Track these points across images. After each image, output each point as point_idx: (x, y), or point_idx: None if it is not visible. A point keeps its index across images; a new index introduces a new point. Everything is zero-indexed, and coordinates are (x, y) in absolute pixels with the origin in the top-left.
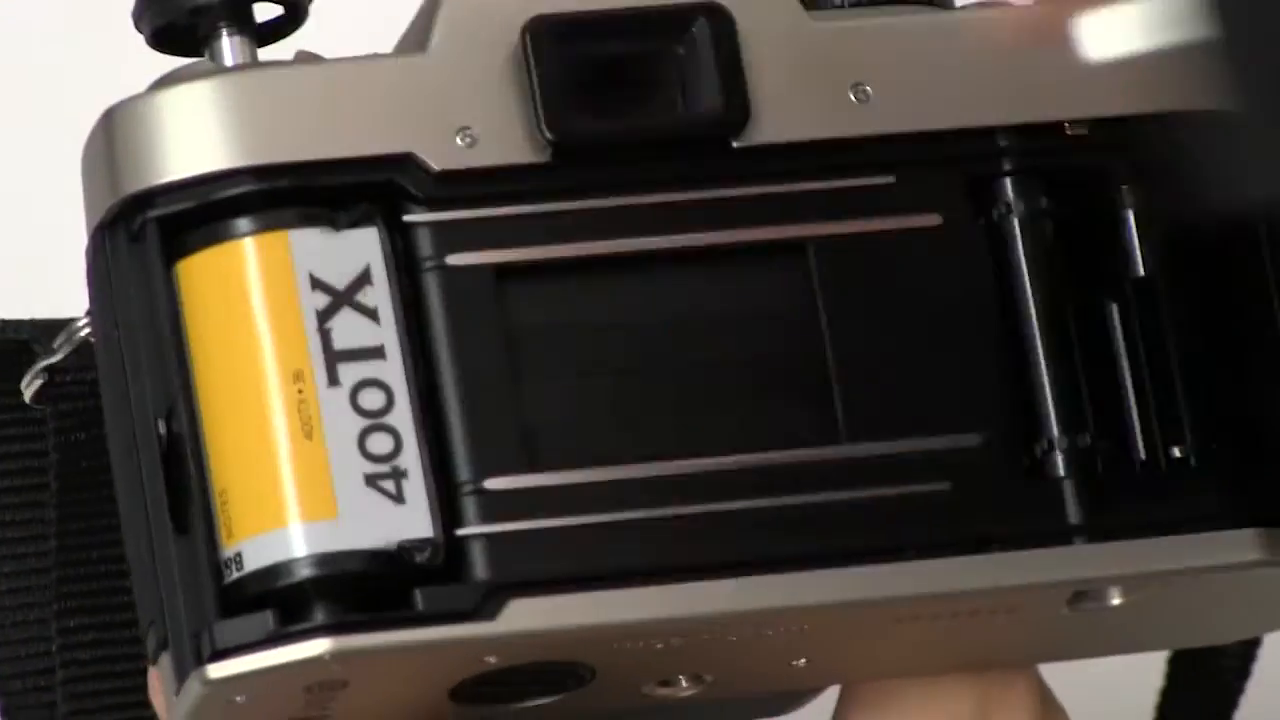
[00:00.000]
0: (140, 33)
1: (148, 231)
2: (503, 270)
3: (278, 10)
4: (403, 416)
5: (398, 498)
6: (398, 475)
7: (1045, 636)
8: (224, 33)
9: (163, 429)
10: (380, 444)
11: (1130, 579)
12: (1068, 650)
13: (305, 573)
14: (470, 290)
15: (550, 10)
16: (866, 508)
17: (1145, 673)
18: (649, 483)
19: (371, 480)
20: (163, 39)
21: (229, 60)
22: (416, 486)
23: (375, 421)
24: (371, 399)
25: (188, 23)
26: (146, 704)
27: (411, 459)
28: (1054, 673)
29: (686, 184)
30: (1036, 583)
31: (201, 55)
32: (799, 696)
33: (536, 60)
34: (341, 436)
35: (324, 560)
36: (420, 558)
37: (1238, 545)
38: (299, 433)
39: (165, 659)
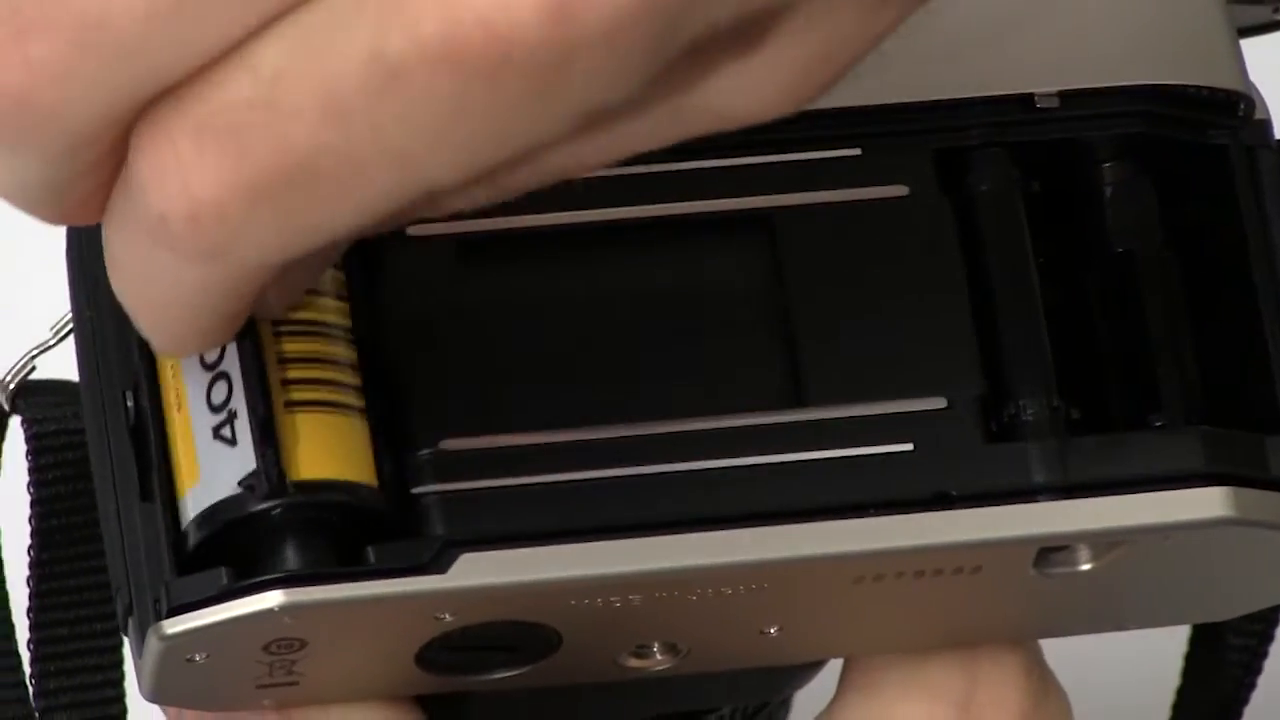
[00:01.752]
0: None
1: None
2: (464, 241)
3: None
4: (231, 359)
5: (231, 440)
6: (231, 419)
7: (1021, 607)
8: None
9: (130, 402)
10: (219, 393)
11: (1095, 535)
12: (1048, 624)
13: (197, 536)
14: (431, 261)
15: None
16: (825, 467)
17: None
18: (606, 444)
19: (216, 431)
20: None
21: None
22: (242, 423)
23: (215, 372)
24: (211, 352)
25: None
26: None
27: (238, 398)
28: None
29: (648, 157)
30: (996, 538)
31: None
32: (800, 672)
33: None
34: (196, 399)
35: (203, 520)
36: (258, 491)
37: (1206, 502)
38: (173, 406)
39: (131, 624)
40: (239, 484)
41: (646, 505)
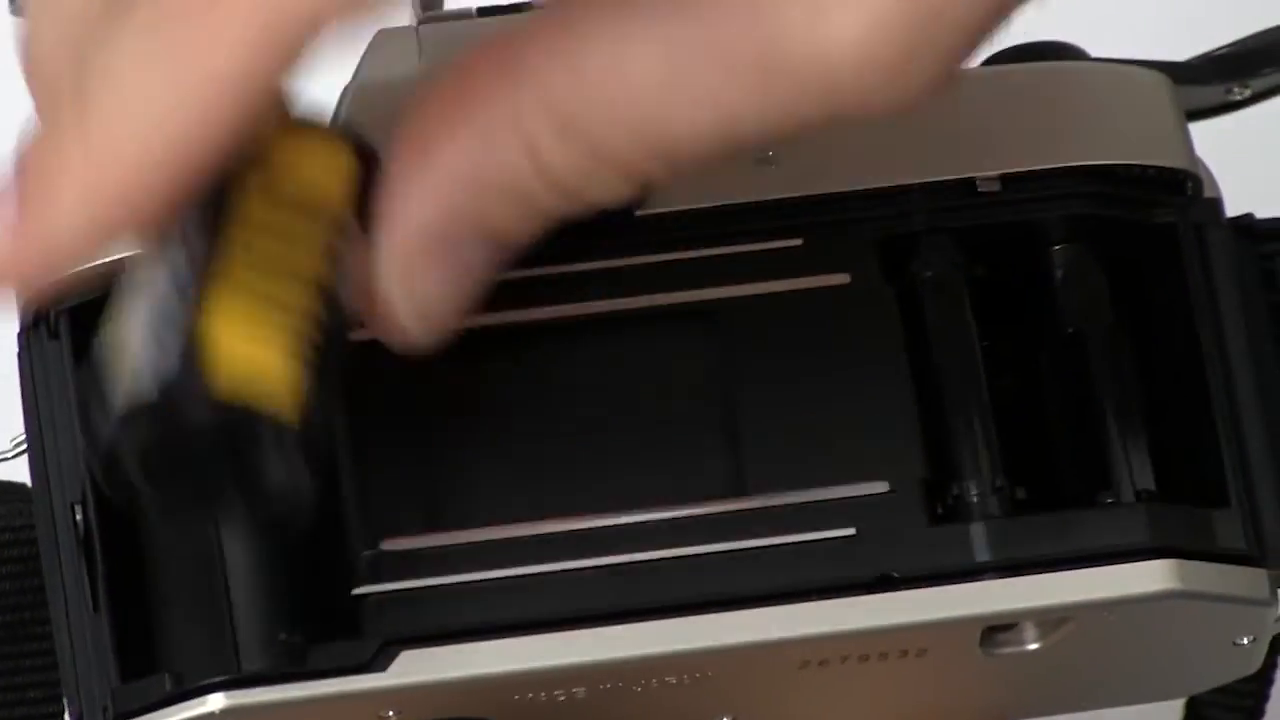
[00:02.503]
0: None
1: (60, 326)
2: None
3: None
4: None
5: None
6: None
7: (972, 690)
8: None
9: (79, 516)
10: None
11: (1039, 611)
12: (1002, 707)
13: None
14: (373, 361)
15: None
16: (769, 554)
17: None
18: (547, 539)
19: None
20: None
21: None
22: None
23: None
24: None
25: None
26: None
27: None
28: None
29: (588, 255)
30: (939, 618)
31: None
32: None
33: None
34: None
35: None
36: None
37: (1151, 576)
38: None
39: None
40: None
41: (586, 598)
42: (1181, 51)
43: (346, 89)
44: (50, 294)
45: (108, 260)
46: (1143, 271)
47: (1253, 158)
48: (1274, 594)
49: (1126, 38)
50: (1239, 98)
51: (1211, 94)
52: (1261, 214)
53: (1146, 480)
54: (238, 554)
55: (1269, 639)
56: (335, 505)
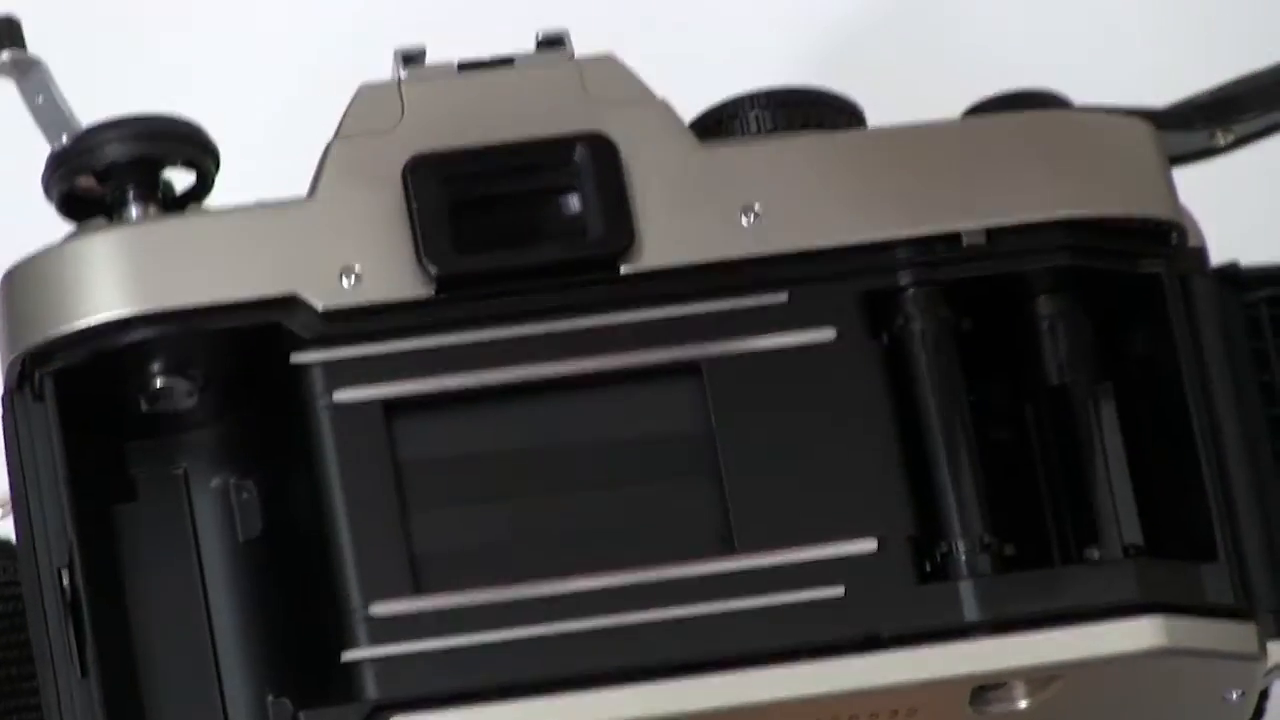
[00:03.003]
0: (50, 201)
1: (45, 388)
2: (391, 404)
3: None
4: None
5: None
6: None
7: None
8: (130, 197)
9: (65, 580)
10: None
11: (1028, 670)
12: None
13: None
14: (359, 425)
15: (432, 148)
16: (757, 614)
17: None
18: (538, 601)
19: None
20: (71, 205)
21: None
22: None
23: None
24: None
25: (96, 191)
26: None
27: None
28: None
29: (575, 311)
30: (927, 678)
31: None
32: None
33: (417, 198)
34: None
35: None
36: None
37: (1140, 633)
38: None
39: None
40: None
41: (576, 661)
42: (1164, 97)
43: (330, 145)
44: (35, 356)
45: (93, 324)
46: (1129, 322)
47: (1237, 202)
48: (1263, 648)
49: (1110, 84)
50: (1223, 143)
51: (1195, 139)
52: (1246, 259)
53: (1134, 534)
54: (226, 617)
55: (1258, 692)
56: (325, 569)
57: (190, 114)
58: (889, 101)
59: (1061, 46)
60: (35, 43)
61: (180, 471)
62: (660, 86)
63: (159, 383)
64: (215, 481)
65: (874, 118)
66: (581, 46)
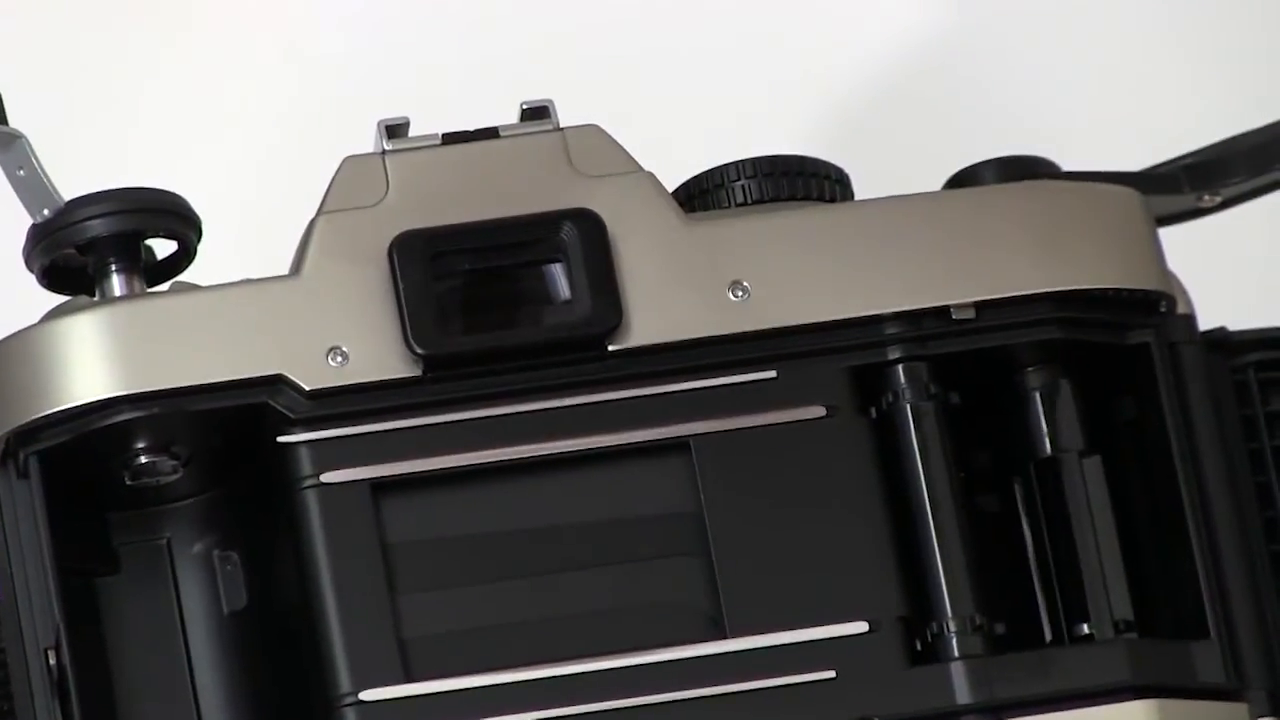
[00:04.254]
0: (31, 272)
1: (30, 468)
2: (378, 485)
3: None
4: None
5: None
6: None
7: None
8: (113, 270)
9: (52, 660)
10: None
11: None
12: None
13: None
14: (346, 506)
15: (417, 225)
16: (748, 699)
17: None
18: (526, 686)
19: None
20: (53, 278)
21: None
22: None
23: None
24: None
25: (78, 262)
26: None
27: None
28: None
29: (563, 390)
30: None
31: (93, 295)
32: None
33: (404, 276)
34: None
35: None
36: None
37: (1129, 717)
38: None
39: None
40: None
41: None
42: (1152, 157)
43: (314, 220)
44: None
45: (79, 404)
46: (1118, 393)
47: (1224, 264)
48: None
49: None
50: (1210, 205)
51: (1182, 201)
52: (1234, 322)
53: (1124, 609)
54: (212, 692)
55: None
56: (312, 648)
57: (174, 182)
58: (887, 164)
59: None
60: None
61: (164, 541)
62: (649, 153)
63: (143, 460)
64: (198, 548)
65: (872, 183)
66: (583, 111)
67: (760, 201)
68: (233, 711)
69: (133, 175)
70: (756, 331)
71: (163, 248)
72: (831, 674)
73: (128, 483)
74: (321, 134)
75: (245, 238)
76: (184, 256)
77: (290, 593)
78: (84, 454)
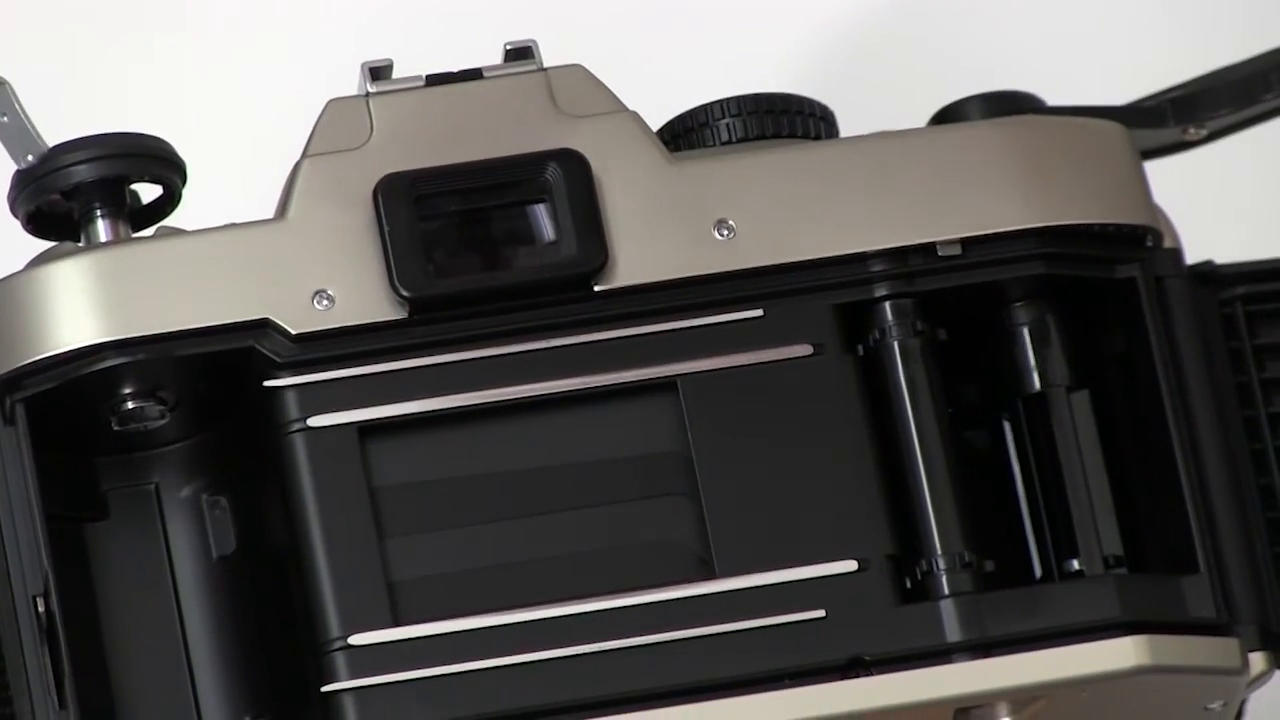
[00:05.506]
0: (16, 219)
1: (16, 414)
2: (366, 428)
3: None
4: None
5: None
6: None
7: None
8: (98, 215)
9: (40, 607)
10: None
11: (1012, 692)
12: None
13: None
14: (334, 450)
15: (401, 167)
16: (739, 640)
17: None
18: (516, 628)
19: None
20: (38, 224)
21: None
22: None
23: None
24: None
25: (63, 207)
26: None
27: None
28: None
29: (549, 331)
30: (910, 702)
31: (78, 240)
32: None
33: (388, 219)
34: None
35: None
36: None
37: (1123, 652)
38: None
39: None
40: None
41: (558, 688)
42: (1136, 92)
43: (299, 164)
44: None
45: (64, 351)
46: (1105, 327)
47: (1212, 196)
48: (1245, 661)
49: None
50: (1196, 138)
51: (1168, 134)
52: (1222, 255)
53: (1114, 545)
54: (202, 637)
55: (1239, 702)
56: (302, 593)
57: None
58: (871, 101)
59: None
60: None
61: (152, 486)
62: (633, 92)
63: (130, 405)
64: (186, 492)
65: (856, 120)
66: (567, 51)
67: (745, 140)
68: (222, 656)
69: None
70: (742, 270)
71: (148, 192)
72: (821, 613)
73: (114, 428)
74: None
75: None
76: (168, 201)
77: (279, 537)
78: (70, 400)
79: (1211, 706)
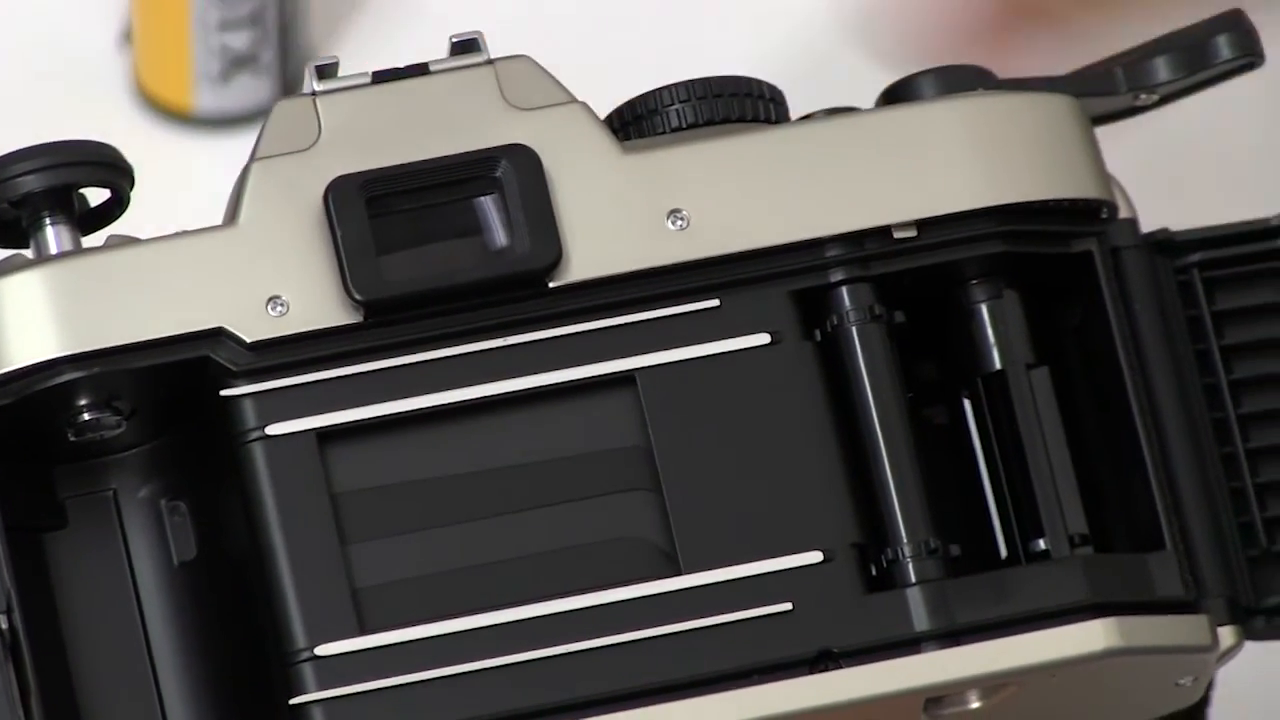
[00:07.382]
0: None
1: None
2: (324, 434)
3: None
4: None
5: None
6: None
7: None
8: (47, 222)
9: (4, 624)
10: None
11: (981, 680)
12: None
13: None
14: (292, 458)
15: (351, 169)
16: (705, 636)
17: None
18: (483, 632)
19: None
20: None
21: (53, 250)
22: None
23: None
24: None
25: (10, 215)
26: None
27: None
28: None
29: (505, 329)
30: (880, 693)
31: (27, 246)
32: None
33: (340, 222)
34: None
35: None
36: None
37: (1091, 636)
38: None
39: None
40: None
41: (526, 691)
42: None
43: (248, 167)
44: None
45: (20, 367)
46: (1063, 302)
47: (1166, 161)
48: (1214, 636)
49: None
50: (1147, 103)
51: (1119, 101)
52: (1177, 221)
53: (1079, 523)
54: (166, 646)
55: (1210, 675)
56: (265, 602)
57: None
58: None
59: None
60: None
61: (110, 493)
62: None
63: (87, 416)
64: (144, 494)
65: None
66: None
67: (695, 125)
68: (187, 664)
69: None
70: (697, 260)
71: (96, 196)
72: (788, 606)
73: (71, 439)
74: None
75: None
76: (117, 204)
77: (241, 542)
78: (26, 413)
79: (1182, 682)
